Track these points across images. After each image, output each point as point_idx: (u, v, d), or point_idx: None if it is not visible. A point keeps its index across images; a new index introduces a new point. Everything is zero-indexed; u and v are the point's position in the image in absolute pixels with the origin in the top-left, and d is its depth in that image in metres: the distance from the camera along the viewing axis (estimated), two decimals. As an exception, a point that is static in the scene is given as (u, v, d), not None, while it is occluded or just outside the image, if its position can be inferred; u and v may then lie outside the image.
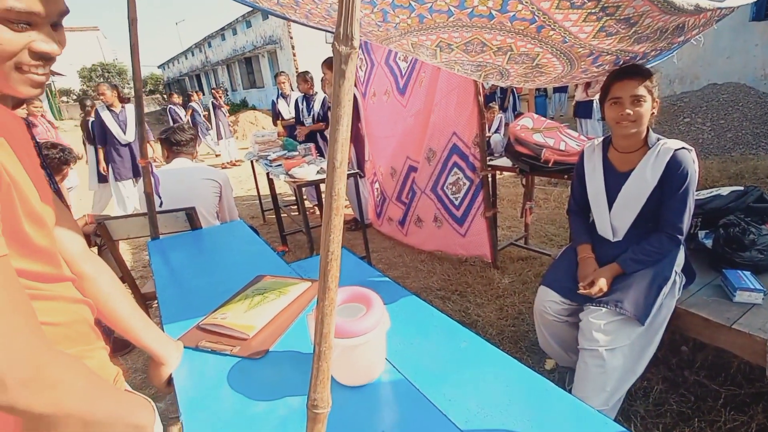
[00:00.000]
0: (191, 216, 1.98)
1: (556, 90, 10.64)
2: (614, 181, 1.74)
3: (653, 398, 1.91)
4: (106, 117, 4.80)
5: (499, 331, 2.53)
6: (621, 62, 1.62)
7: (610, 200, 1.76)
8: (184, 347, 1.11)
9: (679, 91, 7.69)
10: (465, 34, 1.34)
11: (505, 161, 3.06)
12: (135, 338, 0.97)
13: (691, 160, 1.60)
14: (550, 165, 2.53)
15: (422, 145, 3.40)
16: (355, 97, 4.01)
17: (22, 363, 0.54)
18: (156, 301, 2.75)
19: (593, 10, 1.13)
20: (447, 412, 0.88)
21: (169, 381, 1.03)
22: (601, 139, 1.85)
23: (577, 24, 1.21)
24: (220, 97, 9.15)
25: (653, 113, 1.63)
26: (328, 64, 4.09)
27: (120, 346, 2.60)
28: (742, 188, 2.11)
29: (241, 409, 0.90)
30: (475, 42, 1.41)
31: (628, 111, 1.58)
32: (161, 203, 1.96)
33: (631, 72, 1.59)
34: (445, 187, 3.32)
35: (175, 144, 2.40)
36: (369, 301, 0.94)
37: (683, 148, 1.61)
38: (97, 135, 4.87)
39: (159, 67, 42.22)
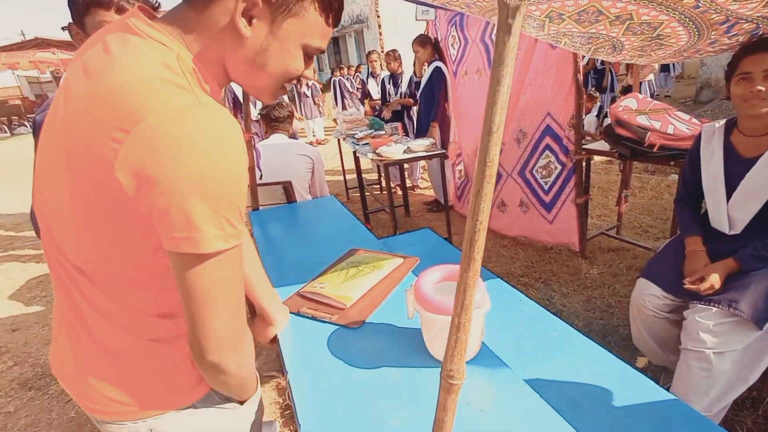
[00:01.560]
0: (288, 190, 2.09)
1: (661, 69, 9.70)
2: (737, 167, 1.57)
3: (763, 410, 1.75)
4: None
5: (587, 323, 2.43)
6: (760, 33, 1.43)
7: (730, 189, 1.59)
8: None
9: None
10: (580, 2, 1.26)
11: (601, 145, 2.87)
12: (254, 297, 1.06)
13: None
14: (654, 150, 2.32)
15: (510, 125, 3.27)
16: (445, 75, 3.95)
17: (236, 332, 0.67)
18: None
19: None
20: (544, 395, 0.87)
21: (274, 339, 1.12)
22: (723, 121, 1.67)
23: None
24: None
25: None
26: (420, 41, 4.04)
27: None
28: None
29: (343, 376, 0.95)
30: (591, 10, 1.31)
31: (759, 87, 1.41)
32: (261, 176, 2.08)
33: (765, 44, 1.41)
34: (534, 171, 3.19)
35: (274, 120, 2.54)
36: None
37: None
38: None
39: None
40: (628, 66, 6.71)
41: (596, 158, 3.38)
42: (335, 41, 23.25)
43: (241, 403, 0.83)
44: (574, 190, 2.92)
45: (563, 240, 3.15)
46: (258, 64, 0.66)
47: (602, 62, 7.26)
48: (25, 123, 18.07)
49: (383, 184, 5.23)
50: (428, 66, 4.04)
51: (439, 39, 4.11)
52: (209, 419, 0.78)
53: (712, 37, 1.45)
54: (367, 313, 1.15)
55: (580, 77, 2.67)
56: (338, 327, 1.11)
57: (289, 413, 2.04)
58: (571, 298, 2.67)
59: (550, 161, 3.04)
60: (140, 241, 0.62)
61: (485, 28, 3.35)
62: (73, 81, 0.60)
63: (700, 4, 1.18)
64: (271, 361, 2.40)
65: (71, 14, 1.26)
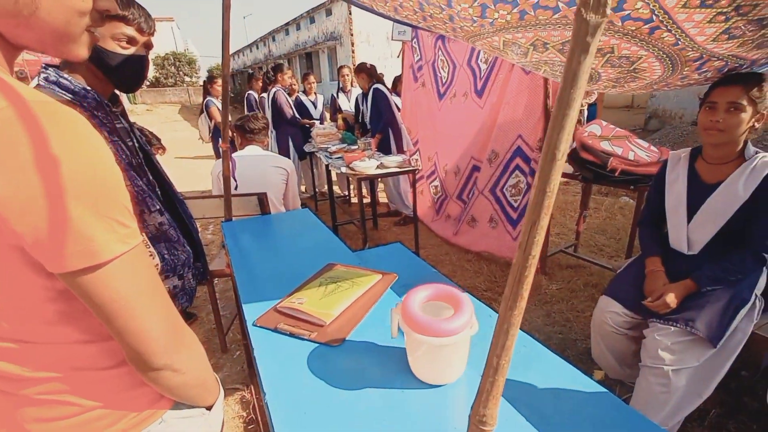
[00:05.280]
0: (262, 201, 2.07)
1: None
2: (698, 192, 1.66)
3: (709, 422, 1.85)
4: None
5: (547, 337, 2.52)
6: (726, 69, 1.53)
7: (691, 212, 1.68)
8: (264, 328, 1.16)
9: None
10: (565, 32, 1.31)
11: (565, 167, 3.01)
12: None
13: None
14: (616, 174, 2.46)
15: (487, 145, 3.40)
16: (385, 94, 4.13)
17: (175, 328, 0.65)
18: (217, 279, 2.88)
19: (724, 10, 1.07)
20: (519, 409, 0.90)
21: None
22: (689, 149, 1.77)
23: (699, 25, 1.14)
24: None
25: (753, 126, 1.52)
26: (355, 71, 4.34)
27: (186, 317, 2.76)
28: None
29: (324, 396, 0.93)
30: None
31: (718, 118, 1.50)
32: (236, 187, 2.04)
33: (738, 78, 1.49)
34: (505, 189, 3.31)
35: (249, 131, 2.51)
36: (458, 302, 0.95)
37: None
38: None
39: None
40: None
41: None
42: (308, 56, 23.43)
43: (209, 408, 0.80)
44: (537, 209, 3.03)
45: (526, 256, 3.24)
46: (22, 8, 0.52)
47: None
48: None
49: (351, 196, 5.27)
50: (371, 89, 4.20)
51: (422, 60, 4.22)
52: None
53: (684, 72, 1.53)
54: (347, 330, 1.15)
55: (550, 102, 2.79)
56: (318, 345, 1.10)
57: (253, 428, 1.99)
58: (532, 312, 2.76)
59: (519, 180, 3.15)
60: (24, 279, 0.55)
61: (471, 52, 3.46)
62: None
63: (680, 42, 1.26)
64: (235, 373, 2.34)
65: None
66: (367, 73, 4.23)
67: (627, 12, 1.12)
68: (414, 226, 3.56)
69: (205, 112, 5.30)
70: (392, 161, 3.28)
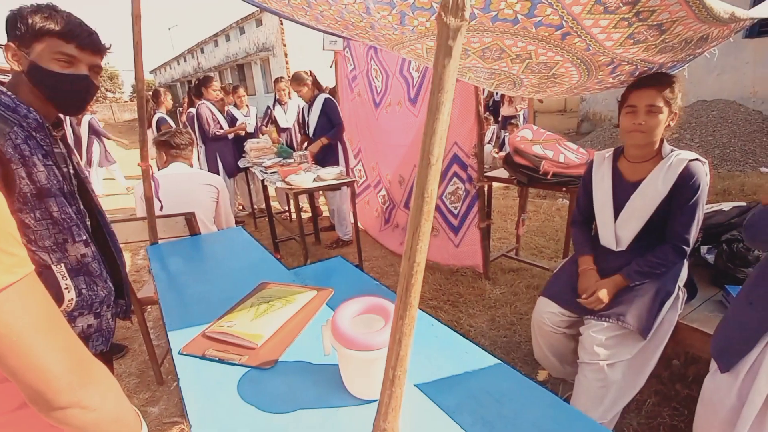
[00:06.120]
0: (190, 221, 1.96)
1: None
2: (623, 190, 1.73)
3: (646, 411, 1.93)
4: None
5: (492, 341, 2.54)
6: (638, 73, 1.61)
7: (617, 210, 1.74)
8: (190, 355, 1.08)
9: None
10: (485, 39, 1.33)
11: (501, 172, 3.09)
12: None
13: (704, 173, 1.58)
14: (549, 177, 2.55)
15: None
16: (335, 105, 4.02)
17: (80, 360, 0.61)
18: (150, 307, 2.70)
19: (626, 16, 1.13)
20: (458, 420, 0.88)
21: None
22: (612, 149, 1.85)
23: (606, 30, 1.20)
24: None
25: (669, 124, 1.60)
26: (297, 82, 4.04)
27: (115, 350, 2.55)
28: (744, 204, 2.11)
29: (256, 423, 0.87)
30: (494, 48, 1.39)
31: (640, 121, 1.57)
32: (161, 208, 1.93)
33: (651, 81, 1.56)
34: (444, 197, 3.34)
35: (174, 147, 2.38)
36: (388, 313, 0.93)
37: (697, 159, 1.59)
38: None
39: (150, 72, 42.22)
40: (510, 99, 7.46)
41: (495, 184, 3.64)
42: (240, 68, 22.88)
43: None
44: (477, 215, 3.09)
45: (468, 263, 3.29)
46: None
47: (500, 95, 7.92)
48: None
49: (292, 211, 5.14)
50: (315, 99, 4.04)
51: (356, 70, 4.21)
52: None
53: (599, 76, 1.61)
54: (280, 351, 1.09)
55: (481, 109, 2.87)
56: (249, 369, 1.03)
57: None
58: (477, 318, 2.79)
59: (458, 188, 3.20)
60: None
61: (403, 61, 3.50)
62: None
63: (591, 47, 1.32)
64: (173, 405, 2.19)
65: (14, 32, 1.13)
66: (310, 82, 4.05)
67: (539, 18, 1.15)
68: (356, 239, 3.52)
69: (153, 129, 4.98)
70: (329, 173, 3.23)
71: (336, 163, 4.05)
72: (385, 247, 4.12)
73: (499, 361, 1.11)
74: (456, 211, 3.27)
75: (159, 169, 2.44)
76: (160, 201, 1.89)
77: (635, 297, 1.61)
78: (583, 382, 1.62)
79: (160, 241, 1.96)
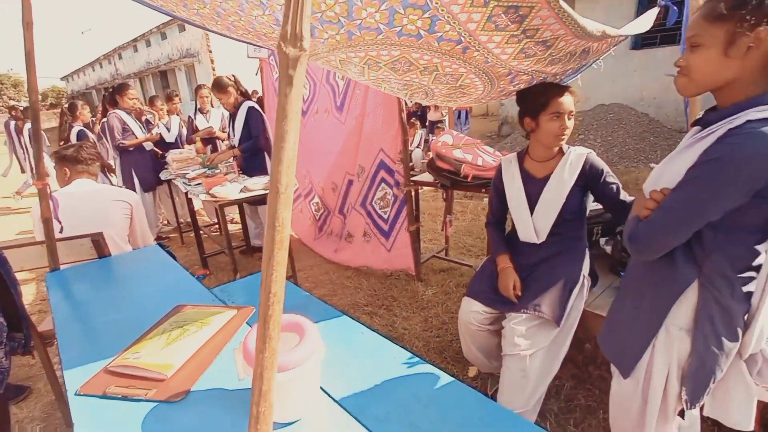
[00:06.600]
0: (98, 242, 1.80)
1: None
2: (533, 187, 1.84)
3: (564, 395, 2.06)
4: None
5: (425, 342, 2.59)
6: (534, 82, 1.74)
7: (532, 205, 1.85)
8: (89, 395, 0.99)
9: (574, 110, 8.45)
10: (393, 52, 1.37)
11: (426, 176, 3.15)
12: None
13: (599, 159, 1.78)
14: (469, 180, 2.64)
15: (356, 160, 3.44)
16: (261, 114, 3.84)
17: None
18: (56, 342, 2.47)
19: (515, 33, 1.21)
20: (388, 429, 0.89)
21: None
22: (515, 153, 1.96)
23: (500, 46, 1.28)
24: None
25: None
26: (218, 88, 3.76)
27: (13, 394, 2.30)
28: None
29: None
30: (403, 60, 1.43)
31: (566, 125, 1.70)
32: (61, 229, 1.76)
33: (566, 88, 1.70)
34: (373, 202, 3.37)
35: (80, 162, 2.20)
36: (302, 329, 0.91)
37: (589, 152, 1.79)
38: None
39: (62, 79, 39.12)
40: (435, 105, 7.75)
41: (424, 188, 3.72)
42: (163, 75, 21.86)
43: None
44: (407, 218, 3.13)
45: (401, 266, 3.33)
46: None
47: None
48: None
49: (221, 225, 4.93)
50: (240, 107, 3.79)
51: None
52: None
53: (501, 85, 1.72)
54: (192, 380, 1.03)
55: (404, 116, 2.91)
56: (157, 404, 0.96)
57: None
58: (411, 320, 2.82)
59: (386, 193, 3.23)
60: None
61: (328, 71, 3.47)
62: None
63: (489, 60, 1.40)
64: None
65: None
66: (231, 88, 3.76)
67: (439, 33, 1.20)
68: (289, 248, 3.45)
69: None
70: (257, 183, 3.14)
71: (264, 172, 3.91)
72: (320, 255, 4.07)
73: (427, 364, 1.13)
74: (386, 216, 3.30)
75: (63, 186, 2.24)
76: (59, 222, 1.73)
77: (548, 287, 1.72)
78: (506, 373, 1.71)
79: (64, 266, 1.79)
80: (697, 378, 1.10)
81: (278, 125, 0.39)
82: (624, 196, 1.76)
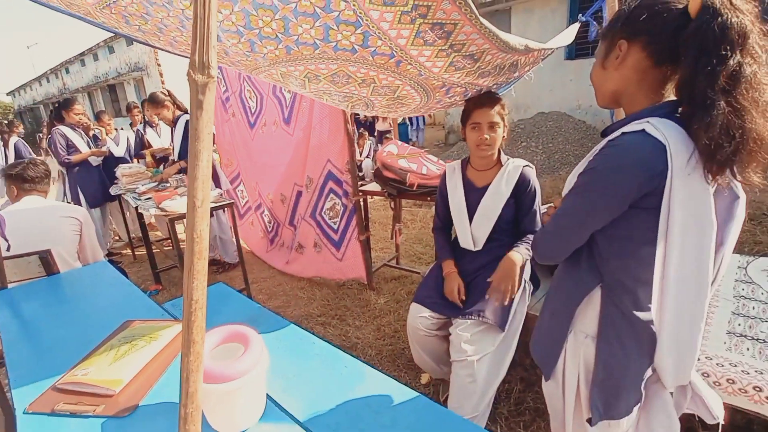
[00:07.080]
0: (46, 260, 1.78)
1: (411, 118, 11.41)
2: (474, 195, 1.94)
3: (514, 398, 2.10)
4: None
5: (378, 351, 2.62)
6: (469, 94, 1.84)
7: (471, 213, 1.94)
8: (37, 413, 1.00)
9: (516, 118, 8.87)
10: (331, 66, 1.43)
11: (375, 186, 3.24)
12: None
13: (534, 175, 1.88)
14: (414, 188, 2.75)
15: (304, 171, 3.48)
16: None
17: None
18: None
19: (443, 47, 1.30)
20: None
21: None
22: (459, 160, 2.06)
23: (431, 59, 1.36)
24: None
25: (504, 137, 1.86)
26: (153, 104, 3.86)
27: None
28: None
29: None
30: (341, 74, 1.49)
31: (486, 136, 1.79)
32: (8, 247, 1.73)
33: (488, 100, 1.79)
34: (323, 213, 3.41)
35: (28, 180, 2.16)
36: (246, 339, 0.95)
37: (527, 165, 1.89)
38: None
39: (8, 94, 37.97)
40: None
41: (374, 197, 3.80)
42: (112, 89, 21.42)
43: None
44: (357, 228, 3.20)
45: (353, 275, 3.39)
46: None
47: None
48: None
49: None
50: (178, 120, 3.88)
51: (229, 92, 4.12)
52: None
53: (437, 97, 1.81)
54: (141, 394, 1.05)
55: (350, 127, 3.00)
56: (105, 419, 0.97)
57: None
58: (364, 329, 2.87)
59: (335, 203, 3.29)
60: None
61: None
62: None
63: (423, 73, 1.49)
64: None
65: None
66: (168, 102, 3.84)
67: (373, 48, 1.28)
68: (240, 262, 3.43)
69: (11, 152, 4.28)
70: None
71: (216, 185, 3.92)
72: (273, 267, 4.06)
73: (379, 372, 1.15)
74: (336, 226, 3.36)
75: (12, 203, 2.19)
76: (6, 240, 1.70)
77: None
78: (455, 379, 1.75)
79: (11, 285, 1.76)
80: (605, 388, 1.06)
81: (191, 145, 0.43)
82: (534, 225, 1.87)
